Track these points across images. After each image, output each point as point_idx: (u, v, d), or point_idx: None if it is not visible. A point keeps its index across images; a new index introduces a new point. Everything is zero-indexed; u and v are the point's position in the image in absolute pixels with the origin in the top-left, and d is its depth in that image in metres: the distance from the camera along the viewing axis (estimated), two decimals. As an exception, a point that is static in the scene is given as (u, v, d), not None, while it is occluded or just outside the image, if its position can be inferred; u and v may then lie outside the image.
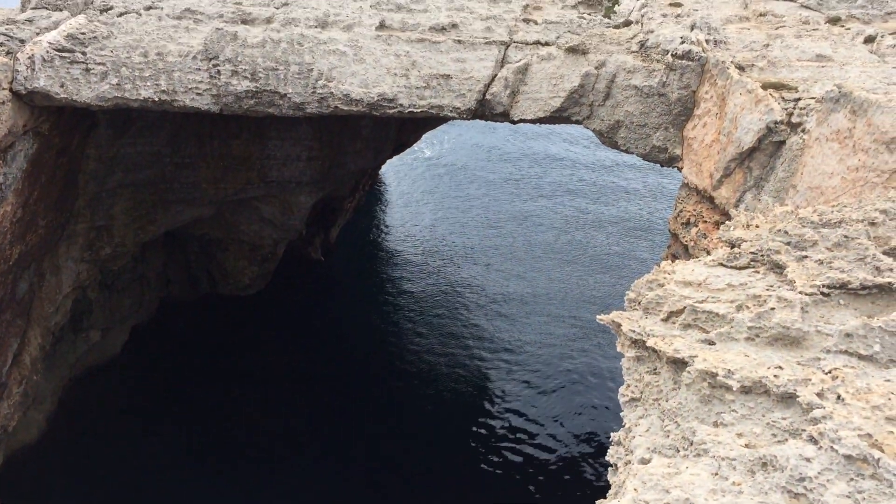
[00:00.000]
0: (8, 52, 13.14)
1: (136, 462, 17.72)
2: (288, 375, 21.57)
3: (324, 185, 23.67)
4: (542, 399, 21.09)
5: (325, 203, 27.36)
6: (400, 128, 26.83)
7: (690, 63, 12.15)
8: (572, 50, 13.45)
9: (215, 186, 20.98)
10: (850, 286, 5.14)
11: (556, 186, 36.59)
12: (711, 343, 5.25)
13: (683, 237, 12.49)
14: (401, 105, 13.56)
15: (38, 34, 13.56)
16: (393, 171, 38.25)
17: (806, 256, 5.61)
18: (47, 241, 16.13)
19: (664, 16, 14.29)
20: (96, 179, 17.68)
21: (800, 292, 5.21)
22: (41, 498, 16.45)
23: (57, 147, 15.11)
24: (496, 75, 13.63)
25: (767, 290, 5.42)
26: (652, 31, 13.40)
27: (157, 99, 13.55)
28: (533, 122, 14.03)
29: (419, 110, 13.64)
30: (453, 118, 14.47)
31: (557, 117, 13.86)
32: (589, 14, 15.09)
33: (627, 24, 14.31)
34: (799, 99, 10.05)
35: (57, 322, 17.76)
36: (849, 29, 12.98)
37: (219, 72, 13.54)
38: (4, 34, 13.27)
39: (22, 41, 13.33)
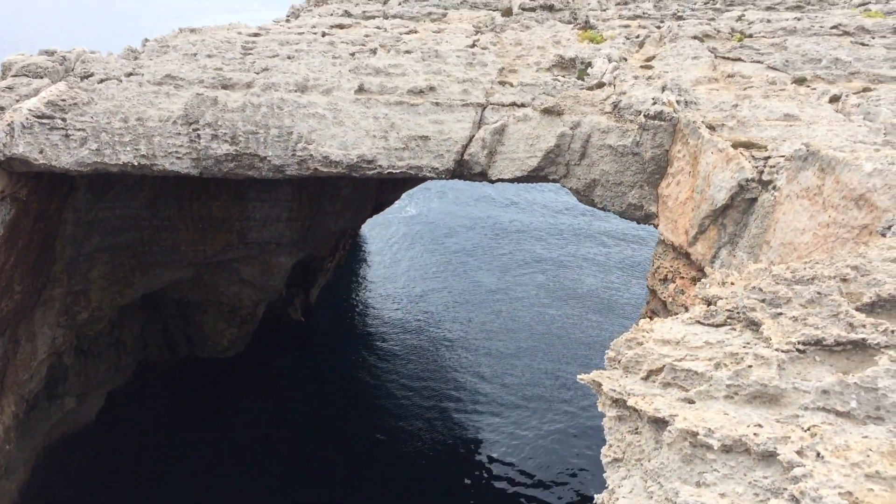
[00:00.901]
0: (-13, 119, 13.19)
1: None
2: (268, 439, 21.18)
3: (304, 245, 23.69)
4: (525, 459, 20.83)
5: (306, 263, 27.33)
6: (379, 188, 27.06)
7: (662, 123, 12.44)
8: (548, 111, 13.74)
9: (194, 248, 20.92)
10: (824, 342, 5.19)
11: (533, 245, 36.86)
12: (691, 401, 5.26)
13: (662, 293, 12.58)
14: (380, 166, 13.72)
15: (18, 101, 13.65)
16: (373, 230, 38.37)
17: (781, 313, 5.68)
18: (23, 306, 15.93)
19: (636, 78, 14.68)
20: (74, 243, 17.59)
21: (776, 349, 5.26)
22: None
23: (34, 212, 15.06)
24: (474, 136, 13.86)
25: (744, 347, 5.46)
26: (624, 93, 13.74)
27: (136, 163, 13.61)
28: (511, 181, 14.22)
29: (398, 171, 13.80)
30: (432, 178, 14.64)
31: (535, 176, 14.07)
32: (563, 76, 15.47)
33: (600, 85, 14.67)
34: (769, 157, 10.29)
35: (31, 389, 17.41)
36: (814, 89, 13.38)
37: (199, 136, 13.66)
38: (-16, 101, 13.35)
39: (2, 108, 13.41)
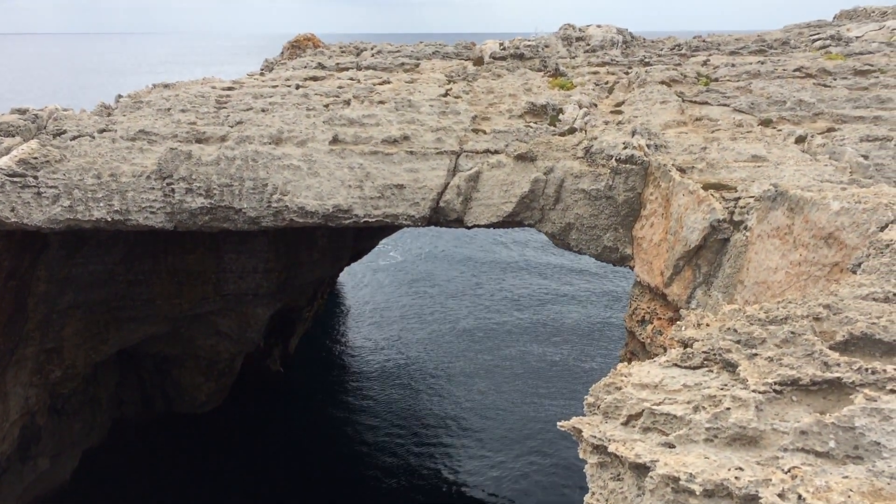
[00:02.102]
0: (-42, 178, 13.08)
1: None
2: (249, 494, 20.72)
3: (281, 295, 23.54)
4: (511, 506, 20.56)
5: (284, 314, 27.11)
6: (357, 236, 27.07)
7: (634, 167, 12.62)
8: (521, 157, 13.90)
9: (170, 302, 20.71)
10: (800, 382, 5.21)
11: (515, 291, 36.96)
12: (671, 446, 5.23)
13: (640, 335, 12.61)
14: (356, 215, 13.75)
15: (-11, 159, 13.56)
16: (352, 278, 38.27)
17: (756, 354, 5.70)
18: (-6, 366, 15.63)
19: (606, 123, 14.92)
20: (47, 301, 17.35)
21: (753, 390, 5.27)
22: None
23: (6, 270, 14.87)
24: (448, 183, 13.97)
25: (722, 389, 5.47)
26: (596, 138, 13.95)
27: (110, 219, 13.53)
28: (486, 227, 14.30)
29: (374, 220, 13.84)
30: (408, 226, 14.69)
31: (510, 222, 14.17)
32: (535, 123, 15.69)
33: (572, 131, 14.89)
34: (739, 198, 10.45)
35: (3, 451, 16.97)
36: (780, 130, 13.68)
37: (173, 190, 13.63)
38: (-45, 160, 13.25)
39: (-27, 167, 13.31)
